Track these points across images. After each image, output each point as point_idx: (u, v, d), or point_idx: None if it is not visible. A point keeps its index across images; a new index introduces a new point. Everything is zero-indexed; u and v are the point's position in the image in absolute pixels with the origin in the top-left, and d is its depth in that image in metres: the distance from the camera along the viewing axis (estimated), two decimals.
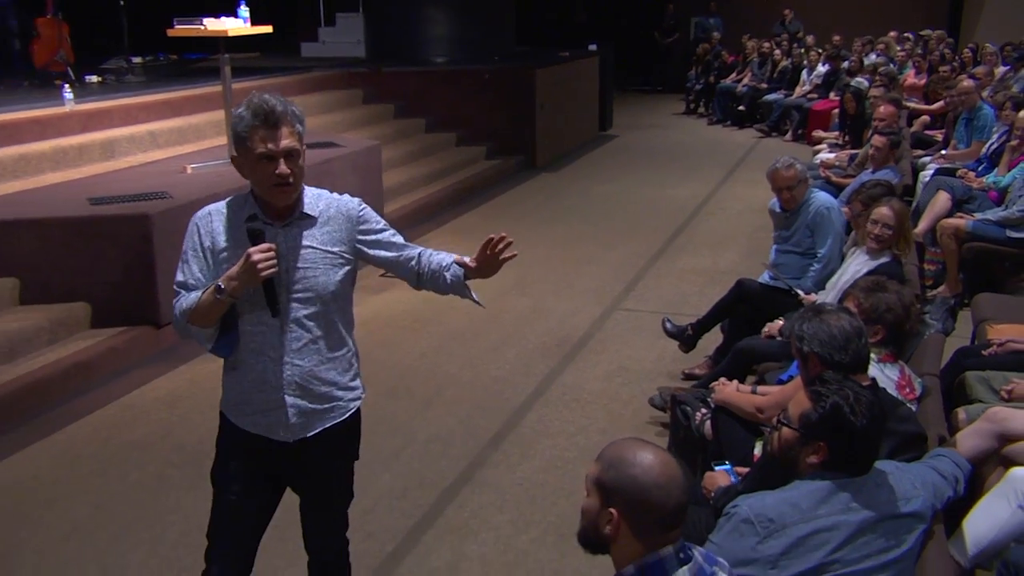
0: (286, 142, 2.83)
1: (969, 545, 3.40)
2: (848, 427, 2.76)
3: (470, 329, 7.24)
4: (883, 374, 3.68)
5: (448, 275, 3.16)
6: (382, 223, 3.18)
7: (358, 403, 3.22)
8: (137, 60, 12.53)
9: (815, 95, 15.20)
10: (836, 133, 11.77)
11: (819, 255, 6.00)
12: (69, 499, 4.82)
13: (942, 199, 7.52)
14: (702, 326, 6.16)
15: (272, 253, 2.79)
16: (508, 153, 13.00)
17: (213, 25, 7.83)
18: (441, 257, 3.19)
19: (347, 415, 3.15)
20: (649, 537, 2.26)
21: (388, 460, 5.26)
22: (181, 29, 8.02)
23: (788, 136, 15.28)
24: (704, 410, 4.51)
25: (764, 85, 16.82)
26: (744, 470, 3.65)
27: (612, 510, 2.24)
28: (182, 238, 7.24)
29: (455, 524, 4.65)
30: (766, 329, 5.37)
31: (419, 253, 3.21)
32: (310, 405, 3.03)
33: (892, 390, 3.64)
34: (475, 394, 6.12)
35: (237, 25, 7.98)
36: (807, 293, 5.62)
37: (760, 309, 5.67)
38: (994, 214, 7.15)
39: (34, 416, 5.62)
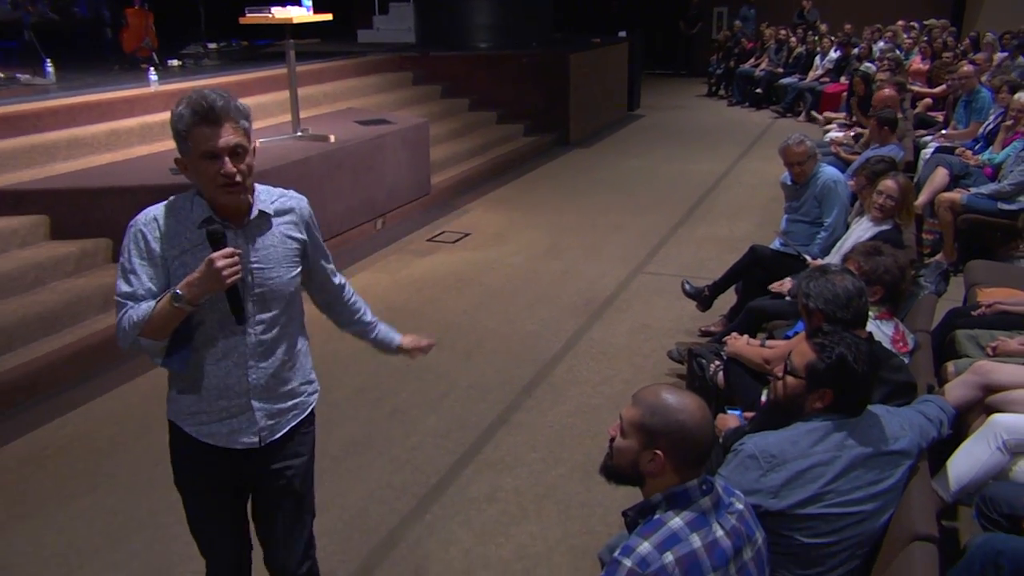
0: (229, 138, 2.40)
1: (952, 482, 3.44)
2: (851, 374, 2.78)
3: (508, 288, 7.28)
4: (879, 330, 3.67)
5: (375, 336, 3.12)
6: (319, 228, 2.85)
7: (316, 396, 2.92)
8: (212, 46, 12.62)
9: (827, 79, 15.00)
10: (844, 114, 11.66)
11: (826, 223, 5.97)
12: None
13: (941, 174, 7.46)
14: (718, 288, 6.15)
15: (236, 258, 2.42)
16: (544, 130, 12.95)
17: (280, 13, 7.90)
18: (373, 326, 3.11)
19: (308, 410, 2.86)
20: (685, 471, 2.27)
21: (433, 404, 5.32)
22: (252, 17, 8.09)
23: (801, 117, 15.09)
24: (717, 362, 4.52)
25: (780, 70, 16.60)
26: (751, 415, 3.68)
27: (657, 451, 2.26)
28: None
29: (492, 460, 4.71)
30: (773, 285, 5.36)
31: (349, 289, 3.03)
32: (276, 406, 2.71)
33: (887, 344, 3.63)
34: (511, 346, 6.15)
35: (301, 13, 8.05)
36: (814, 258, 5.59)
37: (771, 272, 5.62)
38: (987, 188, 7.09)
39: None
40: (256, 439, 2.67)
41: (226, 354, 2.58)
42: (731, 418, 3.68)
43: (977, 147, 8.21)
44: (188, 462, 2.72)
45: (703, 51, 20.54)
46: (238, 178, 2.41)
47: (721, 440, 3.37)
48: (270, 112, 9.56)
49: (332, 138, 8.22)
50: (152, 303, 2.45)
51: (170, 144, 8.02)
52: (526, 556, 3.91)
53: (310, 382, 2.86)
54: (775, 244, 6.16)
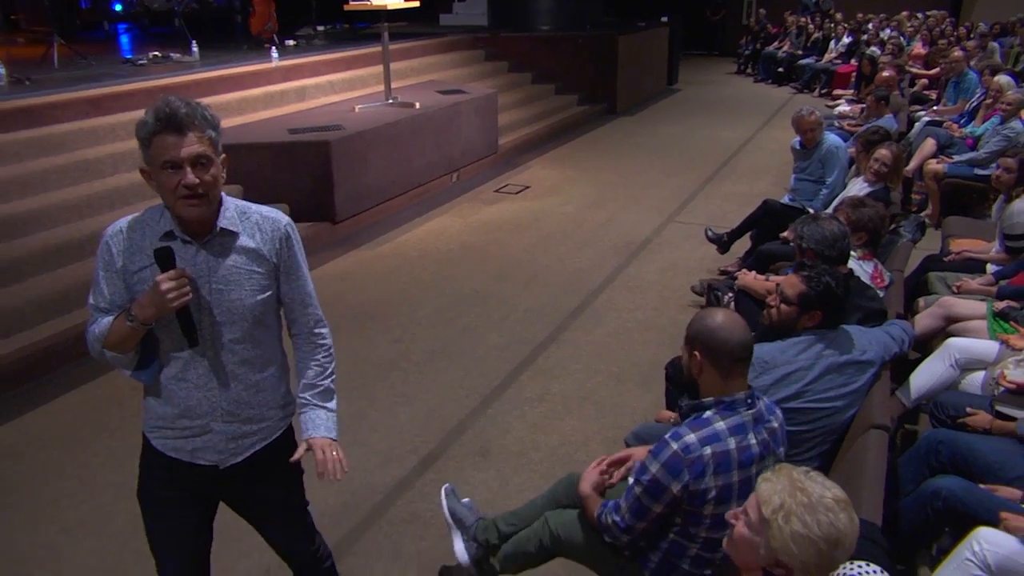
0: (193, 148, 1.92)
1: (913, 392, 3.53)
2: (835, 297, 2.90)
3: (560, 232, 7.31)
4: (861, 268, 3.73)
5: (301, 412, 2.28)
6: (302, 255, 2.23)
7: (288, 421, 2.31)
8: (321, 28, 12.68)
9: (839, 60, 14.57)
10: (852, 91, 11.39)
11: (828, 182, 5.95)
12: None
13: (929, 144, 7.32)
14: (735, 234, 6.16)
15: (183, 280, 1.95)
16: (595, 101, 12.78)
17: (377, 0, 7.97)
18: (305, 388, 2.29)
19: (276, 435, 2.26)
20: (725, 372, 2.25)
21: (496, 323, 5.44)
22: (354, 4, 8.19)
23: (816, 93, 14.72)
24: (730, 294, 4.56)
25: (800, 52, 16.15)
26: (753, 334, 3.77)
27: (696, 352, 2.28)
28: (354, 159, 7.47)
29: (543, 369, 4.83)
30: (784, 234, 5.38)
31: (312, 336, 2.29)
32: (241, 428, 2.17)
33: (867, 279, 3.68)
34: (562, 279, 6.21)
35: (394, 0, 8.10)
36: (816, 212, 5.61)
37: (780, 223, 5.61)
38: (966, 156, 6.97)
39: None
40: (217, 458, 2.18)
41: (185, 374, 2.11)
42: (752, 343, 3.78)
43: (962, 121, 8.01)
44: (152, 473, 2.23)
45: (734, 34, 20.06)
46: (200, 190, 1.95)
47: None
48: (367, 83, 9.60)
49: (417, 105, 8.23)
50: (110, 319, 2.06)
51: (289, 108, 8.37)
52: (568, 443, 4.06)
53: (283, 406, 2.27)
54: (785, 199, 6.15)
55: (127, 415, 4.30)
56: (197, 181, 1.93)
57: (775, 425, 2.31)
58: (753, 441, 2.23)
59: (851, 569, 1.93)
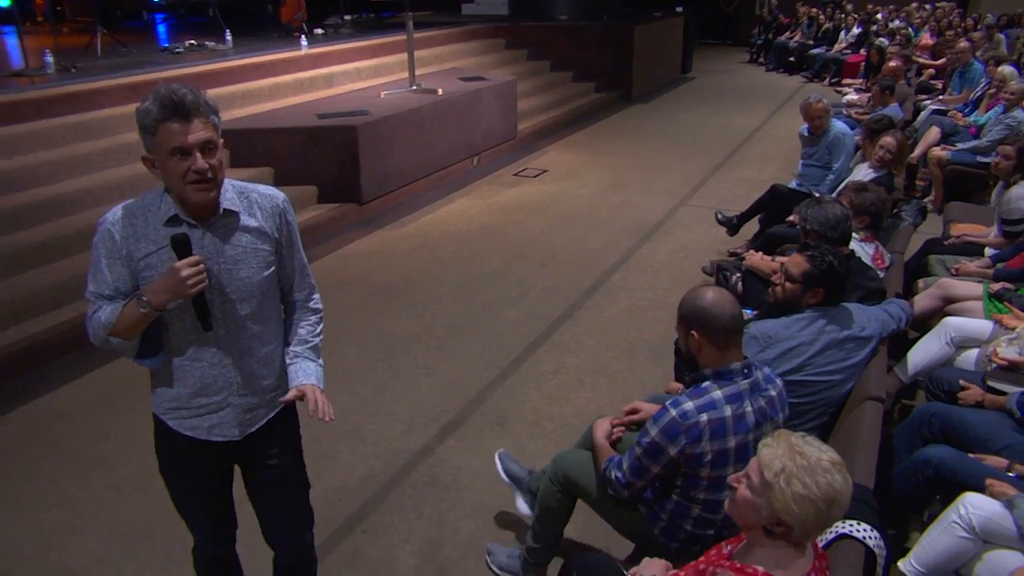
0: (200, 134, 1.89)
1: (909, 368, 3.57)
2: (837, 275, 2.93)
3: (576, 214, 7.33)
4: (863, 249, 3.75)
5: (289, 362, 2.24)
6: (298, 229, 2.23)
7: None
8: (348, 17, 12.70)
9: (848, 50, 14.40)
10: (861, 80, 11.28)
11: (834, 168, 5.94)
12: None
13: (934, 132, 7.27)
14: (744, 217, 6.17)
15: (201, 267, 1.93)
16: (611, 88, 12.72)
17: None
18: (295, 343, 2.26)
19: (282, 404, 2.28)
20: (725, 351, 2.31)
21: (514, 300, 5.49)
22: None
23: (826, 82, 14.59)
24: (738, 273, 4.58)
25: (811, 41, 15.97)
26: (749, 310, 3.81)
27: (693, 332, 2.33)
28: (379, 143, 7.50)
29: (559, 343, 4.89)
30: (790, 217, 5.39)
31: (307, 303, 2.29)
32: (254, 400, 2.19)
33: (868, 260, 3.70)
34: (577, 259, 6.24)
35: None
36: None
37: (787, 207, 5.62)
38: (969, 144, 6.91)
39: None
40: (236, 431, 2.19)
41: (199, 354, 2.09)
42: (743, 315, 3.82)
43: (966, 110, 7.94)
44: (171, 454, 2.23)
45: (747, 24, 19.84)
46: (209, 174, 1.92)
47: None
48: (392, 70, 9.60)
49: (440, 91, 8.23)
50: (120, 304, 2.00)
51: (317, 94, 8.43)
52: (581, 414, 4.11)
53: (286, 377, 2.26)
54: (792, 184, 6.14)
55: None
56: (207, 166, 1.91)
57: (773, 394, 2.36)
58: (749, 409, 2.28)
59: (844, 527, 2.00)
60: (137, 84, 6.89)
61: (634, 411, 2.78)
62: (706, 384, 2.31)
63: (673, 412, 2.26)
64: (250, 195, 2.10)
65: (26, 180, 5.55)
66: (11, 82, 6.89)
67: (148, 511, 3.39)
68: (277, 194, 2.16)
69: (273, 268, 2.14)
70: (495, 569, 3.01)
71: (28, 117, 5.99)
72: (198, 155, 1.90)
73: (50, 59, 7.18)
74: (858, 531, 1.99)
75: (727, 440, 2.25)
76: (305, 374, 2.21)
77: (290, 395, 2.15)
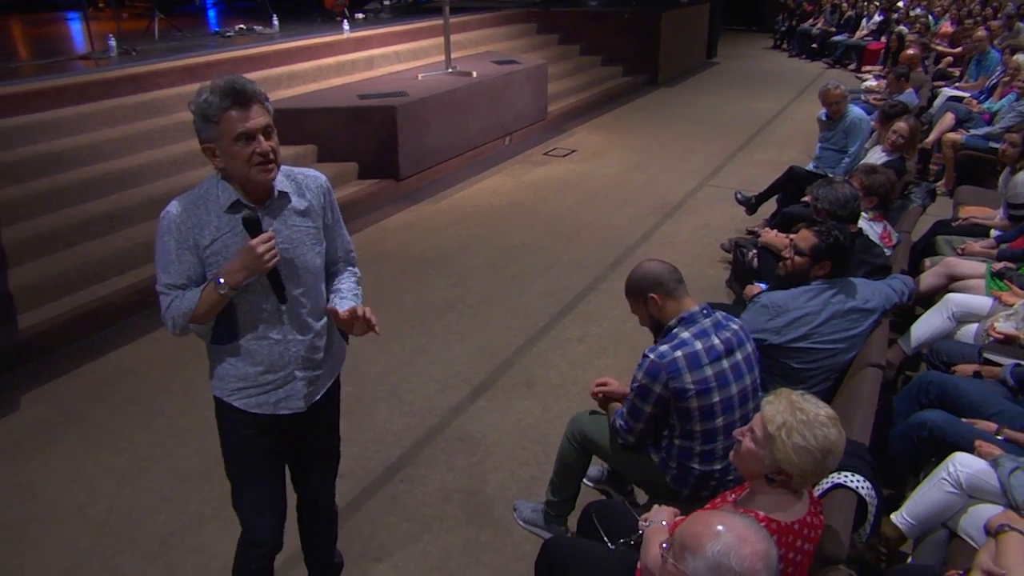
0: (260, 119, 1.95)
1: (912, 340, 3.63)
2: (843, 249, 3.02)
3: (602, 192, 7.39)
4: (871, 228, 3.81)
5: (337, 297, 2.24)
6: (338, 208, 2.29)
7: (344, 360, 2.43)
8: (387, 3, 12.67)
9: (869, 37, 14.13)
10: (880, 67, 11.12)
11: (850, 152, 5.94)
12: None
13: (948, 118, 7.20)
14: (762, 197, 6.16)
15: (273, 242, 1.99)
16: (638, 72, 12.66)
17: None
18: (339, 288, 2.28)
19: (338, 372, 2.40)
20: (676, 295, 2.51)
21: (542, 272, 5.58)
22: None
23: (848, 68, 14.36)
24: (755, 250, 4.65)
25: (833, 28, 15.70)
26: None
27: (652, 296, 2.53)
28: (416, 123, 7.54)
29: (583, 313, 4.98)
30: (805, 198, 5.41)
31: (348, 267, 2.36)
32: (315, 373, 2.25)
33: (875, 239, 3.76)
34: (602, 235, 6.31)
35: None
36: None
37: (804, 188, 5.61)
38: (982, 130, 6.85)
39: None
40: (302, 403, 2.25)
41: (267, 331, 2.14)
42: (756, 287, 3.88)
43: (981, 97, 7.83)
44: (237, 434, 2.25)
45: (771, 11, 19.52)
46: (271, 155, 1.97)
47: (748, 301, 3.63)
48: (429, 53, 9.66)
49: (474, 74, 8.28)
50: (197, 291, 2.03)
51: (357, 76, 8.52)
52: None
53: (335, 350, 2.35)
54: (809, 166, 6.15)
55: None
56: (269, 148, 1.96)
57: (735, 327, 2.55)
58: (716, 341, 2.47)
59: (840, 477, 2.11)
60: (192, 66, 7.05)
61: (603, 384, 2.90)
62: (675, 331, 2.50)
63: (652, 356, 2.45)
64: (296, 177, 2.14)
65: (94, 155, 5.75)
66: (78, 64, 7.09)
67: (206, 456, 3.58)
68: (320, 175, 2.21)
69: (323, 245, 2.19)
70: (521, 523, 3.15)
71: (95, 97, 6.18)
72: (260, 138, 1.95)
73: (113, 43, 7.36)
74: (851, 481, 2.10)
75: (704, 369, 2.42)
76: (353, 300, 2.24)
77: (343, 312, 2.12)
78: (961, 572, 2.01)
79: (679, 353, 2.42)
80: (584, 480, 3.15)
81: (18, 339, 4.37)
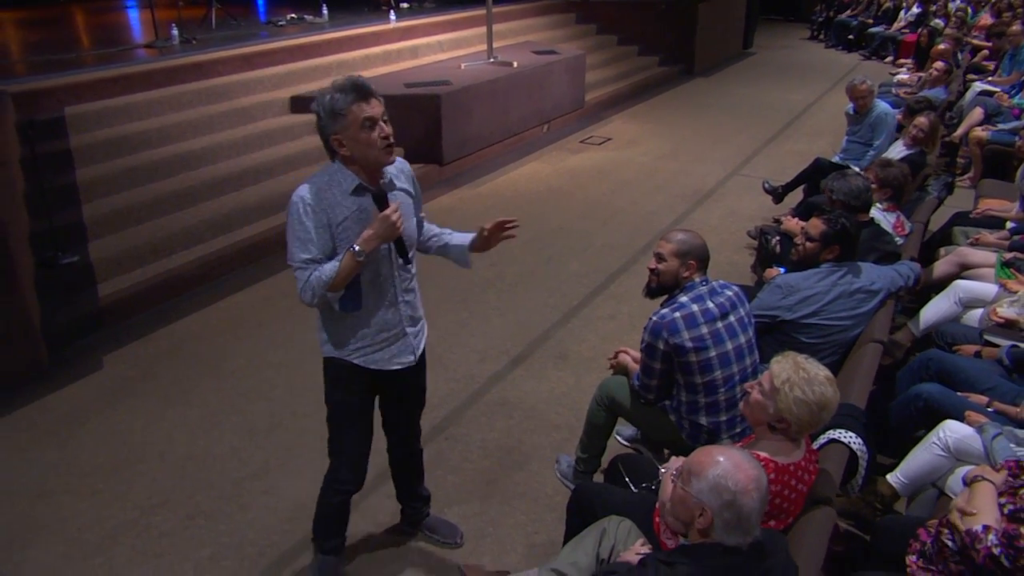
0: (379, 108, 2.24)
1: (921, 323, 3.87)
2: (849, 235, 3.28)
3: (636, 179, 7.61)
4: (884, 217, 4.04)
5: (454, 248, 2.70)
6: None
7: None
8: None
9: (907, 30, 14.05)
10: (912, 61, 11.12)
11: (875, 145, 6.10)
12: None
13: (977, 112, 7.28)
14: (788, 187, 6.33)
15: (400, 211, 2.27)
16: (674, 62, 12.77)
17: None
18: (440, 232, 2.72)
19: (427, 328, 2.70)
20: (699, 267, 2.83)
21: (577, 254, 5.87)
22: None
23: (886, 60, 14.28)
24: (778, 236, 4.85)
25: (871, 20, 15.64)
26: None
27: (690, 260, 2.82)
28: (459, 111, 7.80)
29: (615, 293, 5.25)
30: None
31: (436, 232, 2.73)
32: (416, 328, 2.58)
33: (888, 228, 3.99)
34: (635, 220, 6.55)
35: None
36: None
37: None
38: (1009, 125, 6.93)
39: None
40: (412, 358, 2.58)
41: (383, 294, 2.44)
42: (775, 271, 4.12)
43: (1013, 92, 7.90)
44: (349, 389, 2.56)
45: (809, 1, 19.40)
46: (392, 138, 2.24)
47: (766, 282, 3.89)
48: (471, 43, 9.88)
49: (515, 63, 8.49)
50: (335, 263, 2.28)
51: (403, 64, 8.83)
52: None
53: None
54: (835, 158, 6.32)
55: (279, 311, 5.01)
56: (390, 131, 2.25)
57: (730, 293, 2.86)
58: (711, 304, 2.78)
59: (835, 434, 2.41)
60: (249, 55, 7.43)
61: (619, 352, 3.27)
62: (676, 296, 2.83)
63: (655, 318, 2.81)
64: (395, 163, 2.43)
65: (161, 138, 6.15)
66: (142, 53, 7.52)
67: (270, 414, 3.97)
68: (405, 162, 2.53)
69: (415, 220, 2.51)
70: (558, 475, 3.48)
71: (161, 83, 6.59)
72: (383, 124, 2.23)
73: (176, 32, 7.76)
74: (845, 437, 2.39)
75: (700, 328, 2.73)
76: (464, 234, 2.69)
77: (491, 225, 2.62)
78: (943, 517, 2.29)
79: (677, 314, 2.74)
80: (619, 439, 3.50)
81: (99, 306, 4.80)
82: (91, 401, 4.11)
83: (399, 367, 2.57)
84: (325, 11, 9.82)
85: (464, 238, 2.69)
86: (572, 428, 3.81)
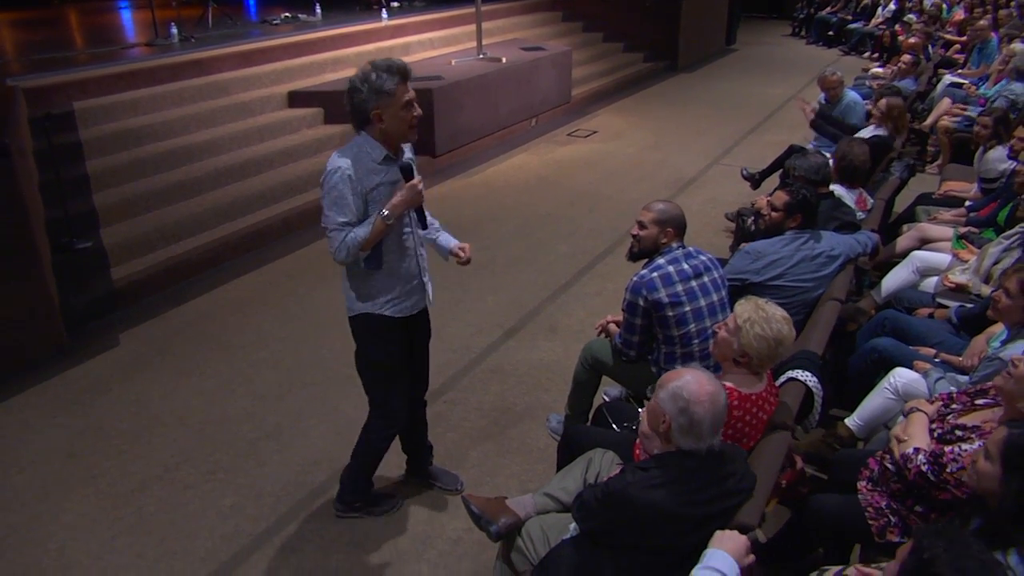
0: (413, 91, 2.57)
1: (883, 291, 4.18)
2: (810, 204, 3.58)
3: (621, 170, 7.88)
4: (846, 193, 4.36)
5: (439, 247, 3.03)
6: None
7: None
8: None
9: (884, 25, 14.37)
10: (873, 53, 11.37)
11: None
12: None
13: (945, 103, 7.57)
14: (765, 173, 6.59)
15: (422, 182, 2.65)
16: (658, 58, 12.99)
17: None
18: (439, 235, 3.03)
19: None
20: (676, 234, 3.13)
21: (565, 238, 6.15)
22: None
23: (868, 55, 14.58)
24: (753, 217, 5.17)
25: (850, 16, 15.98)
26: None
27: (668, 228, 3.12)
28: (451, 105, 8.01)
29: (600, 272, 5.55)
30: None
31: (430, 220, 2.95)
32: (426, 278, 2.91)
33: (851, 203, 4.31)
34: (620, 207, 6.82)
35: None
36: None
37: None
38: (974, 113, 7.26)
39: None
40: (428, 303, 2.97)
41: (404, 251, 2.77)
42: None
43: (980, 84, 8.22)
44: (387, 338, 2.86)
45: None
46: (419, 119, 2.61)
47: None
48: (460, 40, 10.12)
49: (504, 59, 8.72)
50: (367, 225, 2.59)
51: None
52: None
53: None
54: (809, 145, 6.63)
55: (282, 293, 5.28)
56: (420, 112, 2.61)
57: (704, 258, 3.13)
58: (686, 266, 3.08)
59: (794, 373, 2.71)
60: (247, 52, 7.68)
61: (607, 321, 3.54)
62: (655, 259, 3.12)
63: (635, 278, 3.11)
64: None
65: (165, 132, 6.41)
66: (143, 51, 7.76)
67: (279, 381, 4.24)
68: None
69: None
70: (549, 431, 3.78)
71: (165, 80, 6.85)
72: (416, 105, 2.58)
73: (175, 31, 8.01)
74: (802, 376, 2.69)
75: (675, 285, 3.03)
76: (451, 239, 3.01)
77: (463, 250, 2.95)
78: (887, 446, 2.60)
79: (655, 274, 3.05)
80: (606, 399, 3.78)
81: (113, 288, 5.05)
82: (111, 374, 4.38)
83: (420, 310, 2.94)
84: (318, 10, 10.04)
85: (448, 240, 3.02)
86: (561, 391, 4.07)
